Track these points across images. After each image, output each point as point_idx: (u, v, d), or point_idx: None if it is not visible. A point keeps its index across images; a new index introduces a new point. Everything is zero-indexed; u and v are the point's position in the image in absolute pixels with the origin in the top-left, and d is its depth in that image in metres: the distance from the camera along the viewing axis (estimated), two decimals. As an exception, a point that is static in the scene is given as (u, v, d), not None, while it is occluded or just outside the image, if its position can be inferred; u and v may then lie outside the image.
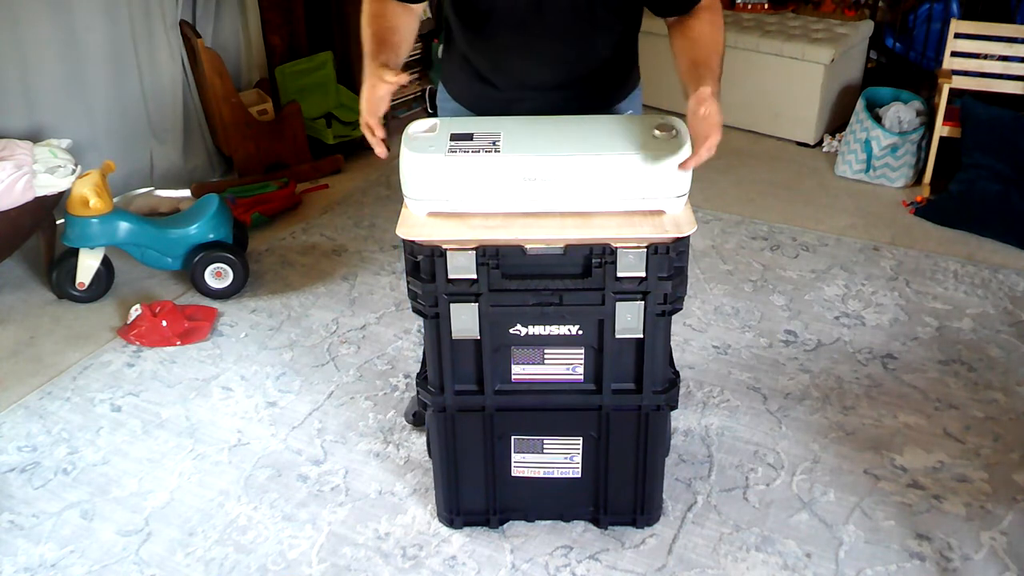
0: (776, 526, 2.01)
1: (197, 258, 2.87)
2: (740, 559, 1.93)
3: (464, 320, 1.71)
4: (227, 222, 2.98)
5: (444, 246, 1.63)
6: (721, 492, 2.11)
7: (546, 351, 1.77)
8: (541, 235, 1.63)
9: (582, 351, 1.77)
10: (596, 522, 2.00)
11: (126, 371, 2.60)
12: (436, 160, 1.59)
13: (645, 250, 1.62)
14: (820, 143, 4.12)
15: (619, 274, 1.65)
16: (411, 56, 4.12)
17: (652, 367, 1.76)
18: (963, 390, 2.45)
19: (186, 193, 3.66)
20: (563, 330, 1.73)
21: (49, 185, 2.78)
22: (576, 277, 1.67)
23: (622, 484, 1.92)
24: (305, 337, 2.74)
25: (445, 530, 2.01)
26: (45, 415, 2.42)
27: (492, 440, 1.87)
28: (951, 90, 3.50)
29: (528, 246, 1.63)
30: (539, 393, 1.82)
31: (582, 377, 1.80)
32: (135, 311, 2.78)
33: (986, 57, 3.63)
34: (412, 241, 1.64)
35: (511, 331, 1.74)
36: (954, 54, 3.60)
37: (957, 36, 3.58)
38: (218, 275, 2.91)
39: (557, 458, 1.90)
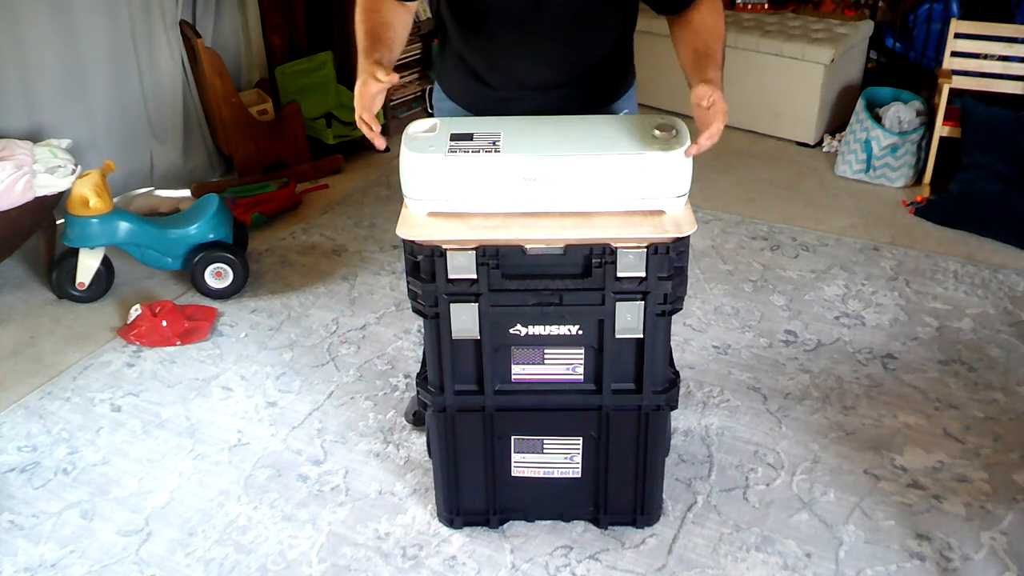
0: (776, 526, 2.01)
1: (197, 258, 2.87)
2: (740, 559, 1.93)
3: (464, 320, 1.71)
4: (227, 222, 2.98)
5: (444, 246, 1.63)
6: (721, 492, 2.11)
7: (546, 351, 1.77)
8: (541, 235, 1.63)
9: (582, 351, 1.77)
10: (596, 522, 2.00)
11: (126, 371, 2.60)
12: (436, 160, 1.59)
13: (645, 250, 1.62)
14: (820, 143, 4.12)
15: (619, 274, 1.65)
16: (411, 56, 4.14)
17: (652, 367, 1.76)
18: (963, 390, 2.45)
19: (186, 193, 3.66)
20: (563, 330, 1.73)
21: (49, 185, 2.78)
22: (576, 277, 1.67)
23: (622, 484, 1.92)
24: (305, 337, 2.75)
25: (445, 530, 2.01)
26: (45, 415, 2.42)
27: (492, 440, 1.87)
28: (951, 90, 3.50)
29: (528, 246, 1.64)
30: (539, 393, 1.82)
31: (582, 377, 1.80)
32: (135, 311, 2.78)
33: (986, 57, 3.63)
34: (412, 241, 1.64)
35: (511, 331, 1.74)
36: (954, 54, 3.60)
37: (957, 36, 3.58)
38: (218, 275, 2.91)
39: (557, 458, 1.90)
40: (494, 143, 1.61)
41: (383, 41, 1.65)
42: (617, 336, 1.73)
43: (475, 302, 1.69)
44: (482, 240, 1.63)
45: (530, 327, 1.73)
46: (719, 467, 2.19)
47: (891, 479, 2.14)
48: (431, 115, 1.87)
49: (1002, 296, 2.90)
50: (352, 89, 1.59)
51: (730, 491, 2.11)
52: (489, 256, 1.64)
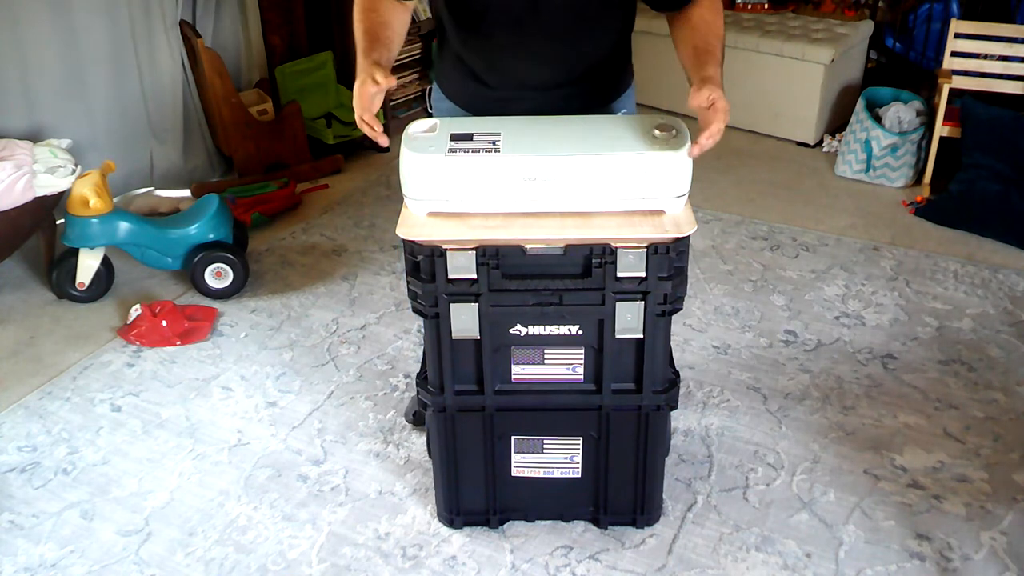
0: (776, 526, 2.01)
1: (197, 258, 2.87)
2: (740, 559, 1.93)
3: (464, 320, 1.71)
4: (227, 222, 2.98)
5: (444, 246, 1.63)
6: (721, 492, 2.11)
7: (546, 351, 1.77)
8: (541, 235, 1.63)
9: (582, 351, 1.77)
10: (596, 522, 2.00)
11: (126, 371, 2.60)
12: (436, 160, 1.59)
13: (645, 250, 1.62)
14: (820, 143, 4.13)
15: (619, 274, 1.65)
16: (411, 56, 4.13)
17: (652, 367, 1.76)
18: (963, 390, 2.45)
19: (186, 193, 3.66)
20: (563, 330, 1.73)
21: (49, 185, 2.78)
22: (576, 277, 1.67)
23: (622, 484, 1.92)
24: (305, 337, 2.75)
25: (445, 530, 2.01)
26: (45, 415, 2.42)
27: (492, 440, 1.87)
28: (951, 90, 3.50)
29: (528, 246, 1.63)
30: (539, 393, 1.82)
31: (582, 377, 1.80)
32: (135, 311, 2.78)
33: (986, 57, 3.63)
34: (412, 241, 1.64)
35: (511, 331, 1.74)
36: (954, 54, 3.60)
37: (957, 36, 3.58)
38: (218, 275, 2.91)
39: (557, 458, 1.90)
40: (494, 143, 1.61)
41: (381, 40, 1.65)
42: (617, 336, 1.73)
43: (475, 302, 1.69)
44: (482, 240, 1.63)
45: (530, 327, 1.73)
46: (719, 467, 2.19)
47: (891, 479, 2.14)
48: (431, 115, 1.87)
49: (1002, 296, 2.90)
50: (352, 89, 1.59)
51: (730, 491, 2.11)
52: (489, 256, 1.64)
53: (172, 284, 3.04)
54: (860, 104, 3.72)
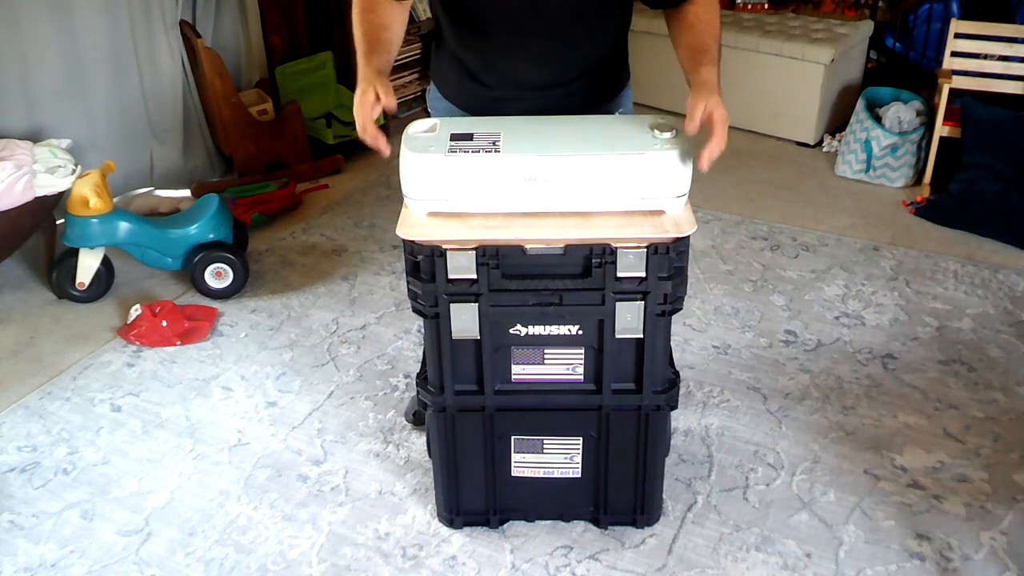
0: (776, 526, 2.01)
1: (197, 258, 2.87)
2: (740, 559, 1.93)
3: (464, 320, 1.71)
4: (227, 222, 2.98)
5: (444, 246, 1.63)
6: (721, 492, 2.11)
7: (546, 351, 1.77)
8: (541, 235, 1.63)
9: (582, 351, 1.77)
10: (596, 522, 2.00)
11: (126, 371, 2.60)
12: (436, 160, 1.59)
13: (645, 250, 1.62)
14: (820, 143, 4.13)
15: (619, 274, 1.65)
16: (411, 56, 4.13)
17: (652, 367, 1.76)
18: (963, 390, 2.45)
19: (186, 193, 3.66)
20: (563, 330, 1.73)
21: (49, 185, 2.78)
22: (576, 277, 1.67)
23: (622, 484, 1.92)
24: (305, 337, 2.75)
25: (445, 530, 2.01)
26: (45, 415, 2.42)
27: (492, 440, 1.87)
28: (951, 90, 3.50)
29: (528, 246, 1.63)
30: (539, 393, 1.82)
31: (582, 377, 1.80)
32: (135, 311, 2.78)
33: (986, 57, 3.63)
34: (412, 241, 1.64)
35: (511, 331, 1.74)
36: (954, 54, 3.60)
37: (957, 36, 3.58)
38: (218, 275, 2.91)
39: (557, 458, 1.90)
40: (494, 143, 1.61)
41: (381, 43, 1.65)
42: (617, 336, 1.73)
43: (475, 302, 1.69)
44: (482, 240, 1.62)
45: (530, 327, 1.73)
46: (719, 467, 2.19)
47: (891, 479, 2.14)
48: (430, 115, 1.87)
49: (1002, 296, 2.90)
50: (352, 89, 1.59)
51: (730, 491, 2.11)
52: (489, 256, 1.64)
53: (172, 284, 3.04)
54: (860, 104, 3.72)
